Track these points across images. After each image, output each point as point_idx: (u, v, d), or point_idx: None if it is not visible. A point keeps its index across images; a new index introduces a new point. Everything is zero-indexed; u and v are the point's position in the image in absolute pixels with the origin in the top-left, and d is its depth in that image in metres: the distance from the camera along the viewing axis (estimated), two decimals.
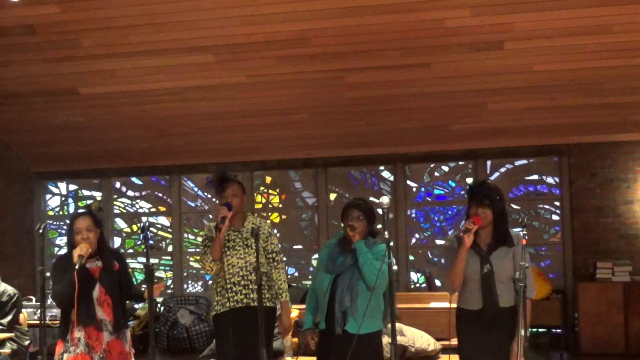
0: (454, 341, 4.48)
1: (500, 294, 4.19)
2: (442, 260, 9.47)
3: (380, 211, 4.16)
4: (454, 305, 4.43)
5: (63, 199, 10.70)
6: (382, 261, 4.21)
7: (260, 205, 10.17)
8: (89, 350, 4.35)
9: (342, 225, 4.53)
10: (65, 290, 4.29)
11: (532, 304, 4.23)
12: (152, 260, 4.30)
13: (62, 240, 10.64)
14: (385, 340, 4.65)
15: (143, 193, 10.53)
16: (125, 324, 4.56)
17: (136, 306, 9.01)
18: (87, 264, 4.39)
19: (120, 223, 10.55)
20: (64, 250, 10.47)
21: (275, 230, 10.10)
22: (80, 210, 4.77)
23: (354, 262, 4.40)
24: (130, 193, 10.57)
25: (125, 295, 4.60)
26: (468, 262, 4.20)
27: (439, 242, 9.64)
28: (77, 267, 4.22)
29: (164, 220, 10.47)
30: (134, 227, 10.51)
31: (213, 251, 4.75)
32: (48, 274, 4.35)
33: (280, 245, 5.03)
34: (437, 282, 9.47)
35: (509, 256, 4.21)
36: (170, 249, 10.36)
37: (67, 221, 10.35)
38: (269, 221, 5.06)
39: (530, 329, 8.41)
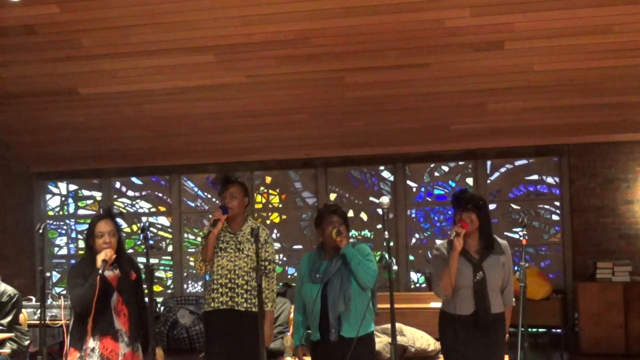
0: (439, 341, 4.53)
1: (492, 301, 4.29)
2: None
3: (380, 211, 4.18)
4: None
5: (63, 199, 10.70)
6: (371, 260, 4.32)
7: (260, 205, 10.17)
8: None
9: (321, 232, 4.50)
10: (87, 295, 4.12)
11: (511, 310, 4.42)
12: (152, 260, 4.25)
13: (62, 240, 10.64)
14: (385, 340, 4.66)
15: (143, 193, 10.53)
16: (140, 335, 4.39)
17: None
18: (104, 271, 4.23)
19: (120, 223, 10.53)
20: (64, 250, 10.54)
21: (275, 231, 10.11)
22: (101, 213, 4.67)
23: (339, 267, 4.40)
24: (130, 193, 10.57)
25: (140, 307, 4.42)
26: (460, 270, 4.31)
27: (439, 242, 9.62)
28: (100, 272, 4.09)
29: (164, 220, 10.47)
30: (134, 227, 10.51)
31: (203, 252, 4.78)
32: (48, 274, 4.32)
33: (275, 255, 4.96)
34: None
35: (499, 264, 4.33)
36: (170, 249, 10.36)
37: (70, 222, 10.44)
38: (267, 230, 5.00)
39: (530, 329, 8.44)
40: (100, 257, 4.17)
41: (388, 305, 3.97)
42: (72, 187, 10.69)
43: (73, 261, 10.10)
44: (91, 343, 4.21)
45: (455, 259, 4.26)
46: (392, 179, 9.79)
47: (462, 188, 4.90)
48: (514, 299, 4.38)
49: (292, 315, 7.99)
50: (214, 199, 10.20)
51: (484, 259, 4.32)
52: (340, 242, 4.40)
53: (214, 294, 4.76)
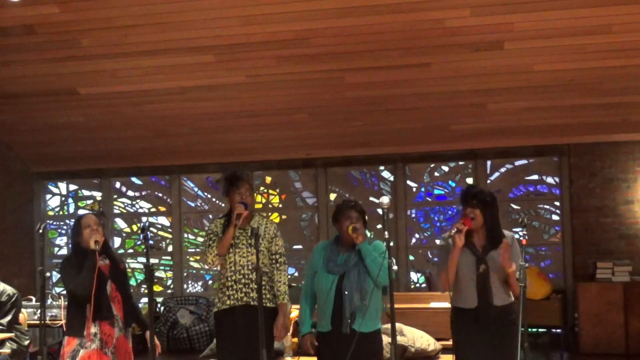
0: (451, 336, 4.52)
1: (495, 293, 4.29)
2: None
3: (380, 211, 4.18)
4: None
5: (63, 199, 10.70)
6: (384, 258, 4.26)
7: (260, 205, 10.16)
8: (102, 345, 4.43)
9: (338, 226, 4.53)
10: (89, 276, 4.34)
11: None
12: (152, 260, 4.30)
13: (62, 240, 10.64)
14: (385, 340, 4.66)
15: (143, 193, 10.53)
16: (132, 321, 4.65)
17: None
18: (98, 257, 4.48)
19: (120, 223, 10.55)
20: (64, 250, 10.54)
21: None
22: (85, 211, 4.83)
23: (357, 261, 4.41)
24: (130, 193, 10.56)
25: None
26: (464, 262, 4.31)
27: (439, 242, 9.62)
28: (97, 250, 4.36)
29: (164, 220, 10.46)
30: (134, 227, 10.51)
31: (221, 246, 4.75)
32: (48, 274, 4.38)
33: (284, 248, 5.01)
34: None
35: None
36: (170, 249, 10.36)
37: (69, 222, 10.43)
38: (275, 224, 5.04)
39: (530, 329, 8.44)
40: (92, 240, 4.41)
41: (388, 305, 3.98)
42: (72, 187, 10.69)
43: None
44: (92, 328, 4.42)
45: (455, 256, 4.26)
46: (392, 179, 9.79)
47: (473, 184, 4.89)
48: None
49: (292, 313, 8.02)
50: (214, 199, 10.20)
51: (488, 252, 4.32)
52: (356, 239, 4.41)
53: (229, 292, 4.75)
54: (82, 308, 4.41)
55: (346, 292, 4.35)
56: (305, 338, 4.57)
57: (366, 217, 4.60)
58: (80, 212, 10.51)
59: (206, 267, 9.93)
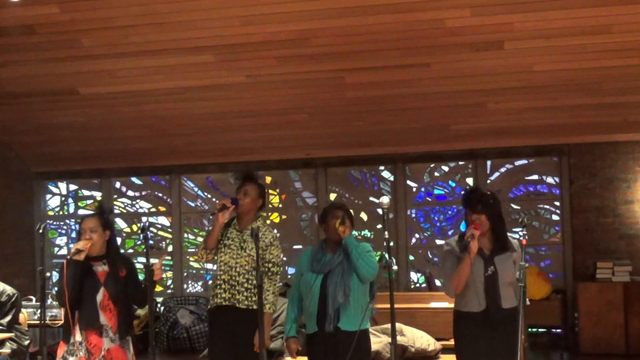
0: (453, 341, 4.50)
1: (503, 295, 4.28)
2: (440, 264, 9.54)
3: (380, 211, 4.19)
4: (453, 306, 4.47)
5: (63, 199, 10.70)
6: (372, 256, 4.32)
7: None
8: (89, 355, 4.28)
9: (325, 226, 4.53)
10: (67, 286, 4.25)
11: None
12: (152, 260, 4.27)
13: (62, 240, 10.65)
14: (385, 340, 4.66)
15: (143, 193, 10.53)
16: (128, 332, 4.46)
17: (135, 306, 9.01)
18: (93, 267, 4.36)
19: (120, 223, 10.55)
20: (64, 250, 10.54)
21: (275, 231, 10.09)
22: (88, 212, 4.78)
23: (342, 260, 4.41)
24: (130, 193, 10.57)
25: (132, 300, 4.50)
26: (472, 266, 4.25)
27: (439, 242, 9.62)
28: (69, 257, 4.23)
29: (164, 220, 10.47)
30: (134, 227, 10.51)
31: (207, 238, 4.76)
32: (48, 274, 4.36)
33: (281, 258, 4.88)
34: (437, 282, 9.47)
35: (511, 260, 4.32)
36: (170, 249, 10.36)
37: (69, 222, 10.44)
38: (275, 231, 4.96)
39: (530, 329, 8.42)
40: (74, 246, 4.28)
41: (388, 305, 3.97)
42: (72, 187, 10.69)
43: None
44: (78, 337, 4.29)
45: (469, 261, 4.20)
46: (392, 179, 9.79)
47: (474, 187, 4.87)
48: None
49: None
50: (214, 199, 10.20)
51: (496, 255, 4.31)
52: (343, 232, 4.41)
53: (217, 290, 4.75)
54: (71, 314, 4.28)
55: (330, 290, 4.35)
56: (288, 341, 4.57)
57: (353, 219, 4.60)
58: (83, 212, 10.53)
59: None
